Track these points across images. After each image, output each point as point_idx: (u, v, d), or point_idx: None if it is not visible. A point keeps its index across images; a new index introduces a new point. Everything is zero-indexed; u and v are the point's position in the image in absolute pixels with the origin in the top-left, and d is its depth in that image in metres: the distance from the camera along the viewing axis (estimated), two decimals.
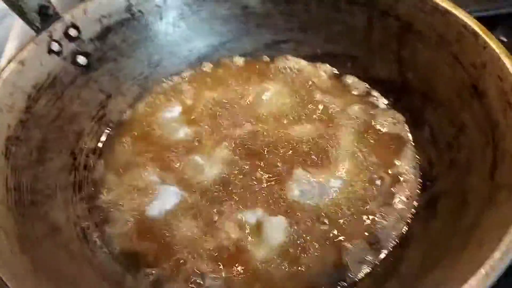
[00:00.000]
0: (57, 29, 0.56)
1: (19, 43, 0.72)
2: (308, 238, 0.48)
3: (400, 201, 0.50)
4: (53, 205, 0.49)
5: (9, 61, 0.52)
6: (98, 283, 0.44)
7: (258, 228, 0.49)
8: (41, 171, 0.50)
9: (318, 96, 0.61)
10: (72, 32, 0.57)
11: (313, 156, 0.54)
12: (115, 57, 0.61)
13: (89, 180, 0.54)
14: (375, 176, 0.52)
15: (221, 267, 0.46)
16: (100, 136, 0.58)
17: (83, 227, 0.49)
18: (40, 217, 0.46)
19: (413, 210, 0.49)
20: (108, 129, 0.59)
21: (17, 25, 0.74)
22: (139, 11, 0.61)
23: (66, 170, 0.53)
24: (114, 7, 0.59)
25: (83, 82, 0.58)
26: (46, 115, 0.53)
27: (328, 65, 0.64)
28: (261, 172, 0.53)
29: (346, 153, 0.54)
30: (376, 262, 0.46)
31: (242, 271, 0.46)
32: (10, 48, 0.71)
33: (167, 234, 0.49)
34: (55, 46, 0.55)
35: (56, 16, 0.56)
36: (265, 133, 0.57)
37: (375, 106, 0.59)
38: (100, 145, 0.58)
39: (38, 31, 0.55)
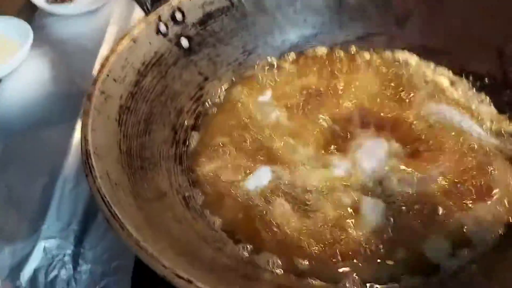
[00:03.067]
0: (165, 11, 0.59)
1: (119, 28, 0.76)
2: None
3: (503, 192, 0.48)
4: (158, 172, 0.51)
5: (123, 38, 0.56)
6: (200, 245, 0.45)
7: (356, 209, 0.48)
8: (147, 141, 0.53)
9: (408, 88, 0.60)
10: (178, 15, 0.60)
11: (412, 147, 0.53)
12: (214, 42, 0.64)
13: (188, 154, 0.56)
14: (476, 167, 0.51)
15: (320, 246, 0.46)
16: (198, 115, 0.61)
17: (184, 196, 0.51)
18: (148, 181, 0.49)
19: None
20: (205, 109, 0.61)
21: (117, 11, 0.79)
22: (239, 0, 0.64)
23: (168, 143, 0.56)
24: None
25: (184, 64, 0.61)
26: (152, 90, 0.56)
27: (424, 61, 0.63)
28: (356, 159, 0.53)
29: (447, 142, 0.53)
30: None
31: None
32: (111, 32, 0.75)
33: (263, 211, 0.49)
34: (162, 28, 0.59)
35: (165, 0, 0.59)
36: (358, 123, 0.57)
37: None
38: (197, 123, 0.60)
39: (147, 12, 0.58)
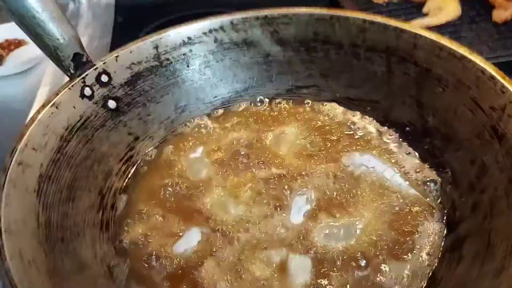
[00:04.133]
0: (89, 75, 0.59)
1: (51, 88, 0.75)
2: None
3: (424, 244, 0.50)
4: (81, 242, 0.50)
5: (44, 105, 0.55)
6: None
7: (283, 268, 0.48)
8: (70, 209, 0.52)
9: (335, 138, 0.62)
10: (104, 78, 0.60)
11: (336, 200, 0.54)
12: (144, 102, 0.64)
13: (116, 219, 0.55)
14: (398, 218, 0.52)
15: None
16: (128, 176, 0.60)
17: (109, 265, 0.50)
18: (69, 253, 0.47)
19: (438, 253, 0.49)
20: (135, 170, 0.61)
21: (49, 71, 0.78)
22: (167, 59, 0.65)
23: (94, 209, 0.54)
24: (144, 55, 0.63)
25: (112, 125, 0.60)
26: (76, 155, 0.55)
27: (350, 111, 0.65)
28: (284, 215, 0.53)
29: (370, 194, 0.54)
30: None
31: None
32: (42, 93, 0.74)
33: (191, 277, 0.49)
34: (87, 91, 0.58)
35: (89, 63, 0.59)
36: (287, 176, 0.57)
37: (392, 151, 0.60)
38: (127, 185, 0.59)
39: (72, 77, 0.58)
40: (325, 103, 0.67)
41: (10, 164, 0.48)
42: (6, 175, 0.47)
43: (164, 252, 0.51)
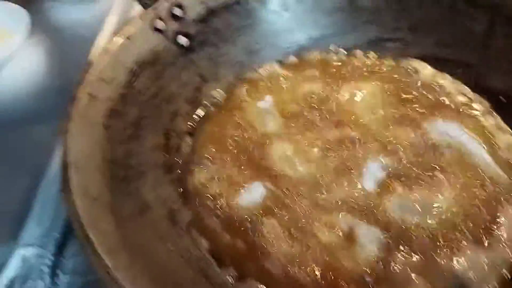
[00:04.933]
0: (163, 7, 0.55)
1: (119, 17, 0.73)
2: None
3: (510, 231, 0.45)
4: (144, 182, 0.48)
5: (115, 35, 0.52)
6: (182, 266, 0.42)
7: (350, 237, 0.45)
8: (135, 147, 0.50)
9: (418, 101, 0.56)
10: (177, 11, 0.56)
11: (414, 171, 0.49)
12: (216, 41, 0.60)
13: (180, 162, 0.53)
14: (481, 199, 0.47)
15: (310, 274, 0.43)
16: (194, 119, 0.57)
17: (171, 209, 0.48)
18: (132, 193, 0.46)
19: None
20: (201, 114, 0.58)
21: (118, 1, 0.75)
22: None
23: (158, 150, 0.52)
24: None
25: (183, 64, 0.57)
26: (144, 92, 0.53)
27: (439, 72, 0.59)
28: (355, 180, 0.49)
29: (453, 169, 0.49)
30: None
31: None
32: (110, 21, 0.72)
33: (253, 233, 0.46)
34: (160, 24, 0.55)
35: None
36: (361, 138, 0.53)
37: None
38: (192, 128, 0.57)
39: (145, 7, 0.55)
40: (411, 60, 0.60)
41: (79, 95, 0.46)
42: (75, 106, 0.45)
43: (226, 202, 0.49)
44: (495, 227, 0.44)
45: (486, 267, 0.42)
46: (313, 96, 0.58)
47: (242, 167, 0.52)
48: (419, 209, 0.46)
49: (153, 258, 0.41)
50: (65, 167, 0.40)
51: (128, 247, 0.39)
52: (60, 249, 0.49)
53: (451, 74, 0.58)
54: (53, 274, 0.47)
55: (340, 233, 0.46)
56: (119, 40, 0.52)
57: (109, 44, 0.51)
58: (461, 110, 0.55)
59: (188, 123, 0.57)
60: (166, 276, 0.39)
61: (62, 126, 0.43)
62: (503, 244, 0.44)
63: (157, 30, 0.55)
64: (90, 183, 0.41)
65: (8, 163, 0.54)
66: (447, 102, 0.55)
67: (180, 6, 0.57)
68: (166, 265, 0.41)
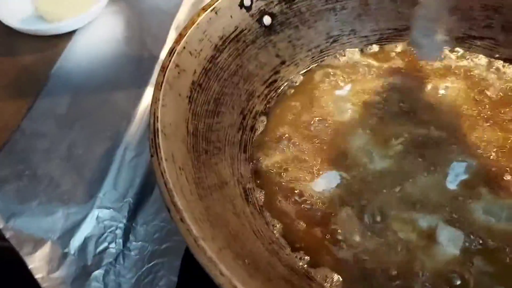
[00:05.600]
0: None
1: None
2: None
3: None
4: (221, 158, 0.48)
5: (204, 8, 0.52)
6: (257, 245, 0.42)
7: (431, 236, 0.44)
8: (215, 123, 0.50)
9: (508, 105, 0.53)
10: None
11: (501, 175, 0.47)
12: (297, 24, 0.59)
13: (254, 142, 0.53)
14: None
15: (386, 269, 0.42)
16: (269, 101, 0.57)
17: (245, 188, 0.48)
18: (211, 167, 0.46)
19: None
20: (277, 96, 0.57)
21: None
22: None
23: (235, 127, 0.52)
24: None
25: (263, 43, 0.57)
26: (226, 68, 0.53)
27: None
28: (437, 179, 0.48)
29: None
30: None
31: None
32: None
33: (327, 221, 0.46)
34: (246, 1, 0.55)
35: None
36: (446, 137, 0.51)
37: None
38: (268, 109, 0.56)
39: None
40: (503, 63, 0.57)
41: (168, 65, 0.46)
42: (164, 75, 0.45)
43: (301, 187, 0.48)
44: None
45: None
46: (395, 88, 0.56)
47: (317, 153, 0.51)
48: (506, 215, 0.44)
49: (232, 233, 0.40)
50: (155, 134, 0.40)
51: (211, 218, 0.39)
52: (133, 215, 0.49)
53: None
54: (126, 239, 0.48)
55: (420, 232, 0.44)
56: (207, 13, 0.51)
57: (198, 16, 0.51)
58: None
59: (264, 104, 0.56)
60: (246, 254, 0.39)
61: (150, 95, 0.44)
62: None
63: (244, 6, 0.54)
64: (177, 152, 0.41)
65: (88, 128, 0.55)
66: None
67: None
68: (245, 242, 0.41)
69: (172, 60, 0.47)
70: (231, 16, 0.54)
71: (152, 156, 0.39)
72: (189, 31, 0.50)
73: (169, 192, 0.36)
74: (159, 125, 0.41)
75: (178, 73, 0.47)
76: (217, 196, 0.44)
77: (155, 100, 0.43)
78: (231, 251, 0.37)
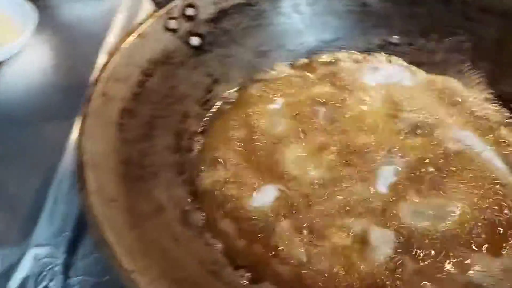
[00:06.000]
0: (176, 6, 0.55)
1: (128, 14, 0.72)
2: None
3: None
4: (157, 183, 0.48)
5: (129, 34, 0.52)
6: (197, 269, 0.43)
7: (364, 239, 0.45)
8: (148, 147, 0.50)
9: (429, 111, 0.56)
10: (190, 11, 0.57)
11: (427, 177, 0.49)
12: (226, 42, 0.60)
13: (191, 163, 0.53)
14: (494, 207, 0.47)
15: (324, 277, 0.43)
16: (205, 120, 0.57)
17: (184, 210, 0.48)
18: (146, 194, 0.46)
19: None
20: (212, 115, 0.58)
21: None
22: None
23: (170, 150, 0.52)
24: None
25: (193, 64, 0.57)
26: (157, 91, 0.53)
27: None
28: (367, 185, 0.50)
29: (467, 176, 0.49)
30: None
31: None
32: (119, 19, 0.71)
33: (266, 235, 0.46)
34: (172, 24, 0.55)
35: None
36: (374, 144, 0.53)
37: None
38: (203, 129, 0.57)
39: (158, 6, 0.55)
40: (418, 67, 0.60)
41: (93, 94, 0.46)
42: (90, 106, 0.45)
43: (240, 204, 0.49)
44: (509, 233, 0.45)
45: (500, 274, 0.42)
46: (325, 99, 0.58)
47: (254, 169, 0.52)
48: (432, 215, 0.46)
49: (169, 259, 0.41)
50: (81, 167, 0.40)
51: (145, 248, 0.39)
52: (72, 249, 0.49)
53: (465, 80, 0.58)
54: (65, 274, 0.47)
55: (354, 236, 0.46)
56: (132, 39, 0.52)
57: (122, 43, 0.51)
58: (474, 116, 0.55)
59: (199, 124, 0.57)
60: (184, 280, 0.39)
61: (78, 127, 0.43)
62: None
63: (170, 29, 0.55)
64: (106, 183, 0.41)
65: (19, 161, 0.54)
66: (460, 108, 0.56)
67: (192, 6, 0.57)
68: (183, 268, 0.41)
69: (97, 89, 0.46)
70: (157, 40, 0.54)
71: (79, 190, 0.38)
72: (114, 58, 0.50)
73: (98, 227, 0.36)
74: (85, 157, 0.41)
75: (105, 101, 0.47)
76: (153, 223, 0.44)
77: (81, 132, 0.43)
78: (166, 279, 0.37)
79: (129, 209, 0.42)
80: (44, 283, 0.46)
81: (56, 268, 0.47)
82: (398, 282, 0.43)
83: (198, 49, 0.58)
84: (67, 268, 0.47)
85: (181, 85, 0.56)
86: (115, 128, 0.47)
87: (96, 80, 0.47)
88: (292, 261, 0.45)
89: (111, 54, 0.50)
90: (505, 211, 0.46)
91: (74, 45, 0.69)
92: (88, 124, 0.44)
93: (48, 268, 0.47)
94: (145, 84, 0.52)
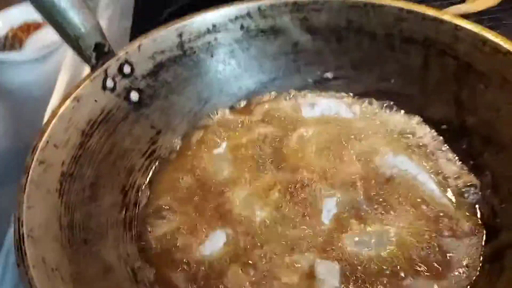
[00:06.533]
0: (111, 66, 0.56)
1: (71, 75, 0.73)
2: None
3: (461, 255, 0.47)
4: (104, 244, 0.48)
5: (65, 99, 0.53)
6: None
7: (311, 274, 0.47)
8: (93, 208, 0.50)
9: (366, 140, 0.59)
10: (126, 68, 0.58)
11: (367, 205, 0.51)
12: (166, 93, 0.61)
13: (139, 217, 0.54)
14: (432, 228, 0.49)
15: None
16: (150, 172, 0.58)
17: (133, 268, 0.48)
18: (93, 256, 0.46)
19: (478, 262, 0.46)
20: (157, 166, 0.59)
21: (69, 57, 0.76)
22: (191, 48, 0.62)
23: (117, 207, 0.53)
24: (167, 44, 0.60)
25: (134, 118, 0.58)
26: (99, 151, 0.54)
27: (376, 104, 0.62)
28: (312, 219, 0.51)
29: (403, 201, 0.51)
30: None
31: None
32: (62, 80, 0.72)
33: (217, 281, 0.47)
34: (109, 83, 0.56)
35: (111, 53, 0.56)
36: (316, 177, 0.55)
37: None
38: (150, 181, 0.57)
39: (93, 67, 0.56)
40: (356, 98, 0.63)
41: (31, 164, 0.46)
42: (28, 176, 0.45)
43: (189, 255, 0.50)
44: (445, 256, 0.47)
45: None
46: (266, 139, 0.60)
47: (201, 216, 0.53)
48: (373, 242, 0.48)
49: None
50: (20, 239, 0.40)
51: None
52: None
53: (395, 108, 0.61)
54: None
55: (301, 272, 0.47)
56: (69, 102, 0.52)
57: (59, 108, 0.51)
58: (409, 143, 0.58)
59: (145, 176, 0.58)
60: None
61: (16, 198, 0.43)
62: (454, 272, 0.46)
63: (107, 89, 0.56)
64: (48, 254, 0.41)
65: None
66: (394, 135, 0.58)
67: (129, 63, 0.58)
68: None
69: (35, 158, 0.47)
70: (95, 100, 0.55)
71: (18, 265, 0.38)
72: (52, 124, 0.50)
73: None
74: (24, 230, 0.41)
75: (44, 169, 0.47)
76: (101, 286, 0.44)
77: (19, 204, 0.43)
78: None
79: (73, 275, 0.42)
80: None
81: None
82: None
83: (138, 103, 0.59)
84: None
85: (124, 140, 0.57)
86: (56, 195, 0.47)
87: (33, 149, 0.47)
88: None
89: (48, 121, 0.50)
90: (442, 232, 0.48)
91: (17, 111, 0.69)
92: (28, 194, 0.44)
93: None
94: (86, 145, 0.52)
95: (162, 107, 0.61)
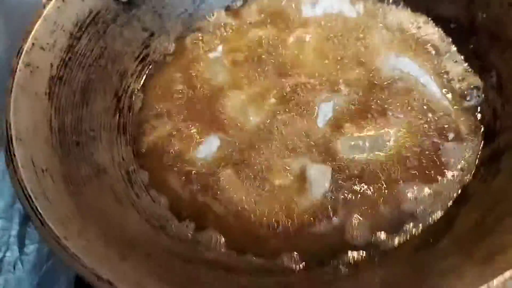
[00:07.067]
0: None
1: None
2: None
3: (457, 158, 0.46)
4: (97, 146, 0.49)
5: None
6: (142, 226, 0.44)
7: (303, 177, 0.46)
8: (85, 112, 0.50)
9: (369, 40, 0.55)
10: None
11: (365, 108, 0.50)
12: None
13: (133, 122, 0.53)
14: (430, 130, 0.48)
15: (265, 218, 0.45)
16: (144, 76, 0.57)
17: (128, 171, 0.49)
18: (85, 158, 0.46)
19: (473, 165, 0.45)
20: (151, 69, 0.57)
21: None
22: None
23: (110, 112, 0.52)
24: None
25: (125, 20, 0.56)
26: (88, 54, 0.52)
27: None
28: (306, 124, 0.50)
29: (402, 104, 0.49)
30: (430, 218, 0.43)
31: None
32: None
33: (210, 184, 0.47)
34: None
35: None
36: (313, 81, 0.52)
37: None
38: (143, 85, 0.56)
39: None
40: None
41: (17, 66, 0.45)
42: (14, 79, 0.44)
43: (184, 158, 0.50)
44: (440, 159, 0.45)
45: (431, 198, 0.44)
46: (263, 42, 0.57)
47: (196, 121, 0.52)
48: (368, 146, 0.47)
49: (111, 221, 0.42)
50: (9, 141, 0.40)
51: (83, 213, 0.40)
52: (25, 219, 0.50)
53: (401, 4, 0.57)
54: (21, 244, 0.48)
55: (294, 175, 0.47)
56: (54, 3, 0.50)
57: (44, 9, 0.49)
58: (414, 43, 0.54)
59: (139, 81, 0.56)
60: (125, 238, 0.40)
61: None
62: (447, 175, 0.45)
63: None
64: (37, 155, 0.41)
65: None
66: (399, 35, 0.55)
67: None
68: (124, 226, 0.42)
69: (21, 60, 0.45)
70: (82, 0, 0.52)
71: (7, 165, 0.39)
72: (36, 26, 0.48)
73: (27, 199, 0.37)
74: (13, 132, 0.41)
75: (31, 71, 0.46)
76: (94, 186, 0.45)
77: (7, 106, 0.42)
78: (104, 240, 0.38)
79: (65, 176, 0.42)
80: (1, 255, 0.47)
81: (11, 240, 0.48)
82: (332, 215, 0.44)
83: (129, 4, 0.56)
84: (21, 238, 0.49)
85: (115, 43, 0.55)
86: (46, 98, 0.46)
87: (19, 51, 0.46)
88: (234, 206, 0.46)
89: (32, 23, 0.48)
90: (437, 136, 0.47)
91: (7, 18, 0.66)
92: (15, 98, 0.43)
93: (2, 240, 0.48)
94: (74, 49, 0.51)
95: (155, 7, 0.58)
